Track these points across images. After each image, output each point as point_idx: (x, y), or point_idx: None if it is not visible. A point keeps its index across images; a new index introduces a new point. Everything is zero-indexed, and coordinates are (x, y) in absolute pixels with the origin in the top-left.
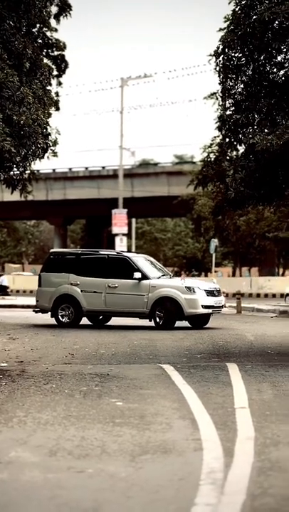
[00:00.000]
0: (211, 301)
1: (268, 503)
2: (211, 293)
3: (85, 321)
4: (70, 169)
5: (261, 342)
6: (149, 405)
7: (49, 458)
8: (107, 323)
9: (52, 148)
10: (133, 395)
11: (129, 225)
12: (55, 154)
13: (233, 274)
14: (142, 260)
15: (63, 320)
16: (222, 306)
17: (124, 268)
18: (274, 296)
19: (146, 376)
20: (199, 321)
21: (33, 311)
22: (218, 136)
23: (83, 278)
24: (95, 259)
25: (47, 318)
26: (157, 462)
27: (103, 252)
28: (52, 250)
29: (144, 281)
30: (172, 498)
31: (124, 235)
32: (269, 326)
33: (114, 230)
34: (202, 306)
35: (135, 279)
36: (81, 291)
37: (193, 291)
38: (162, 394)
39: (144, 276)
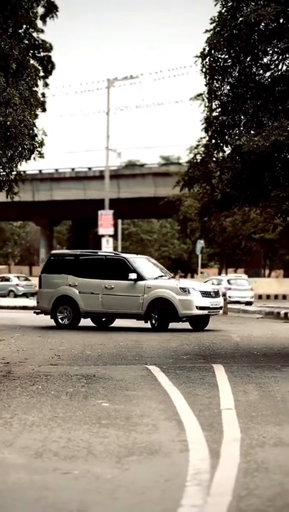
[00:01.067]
0: (207, 302)
1: (253, 504)
2: (207, 294)
3: (87, 322)
4: (57, 170)
5: (247, 343)
6: (135, 406)
7: (35, 459)
8: (111, 325)
9: (38, 149)
10: (119, 396)
11: (116, 226)
12: (41, 155)
13: (219, 275)
14: (139, 261)
15: (62, 322)
16: (220, 308)
17: (120, 269)
18: (260, 297)
19: (133, 377)
20: (199, 323)
21: (34, 312)
22: (204, 138)
23: (81, 279)
24: (93, 260)
25: (33, 318)
26: (143, 463)
27: (101, 252)
28: (52, 252)
29: (140, 282)
30: (158, 500)
31: (110, 236)
32: (255, 327)
33: (101, 231)
34: (197, 307)
35: (131, 279)
36: (79, 292)
37: (188, 292)
38: (148, 395)
39: (140, 277)
